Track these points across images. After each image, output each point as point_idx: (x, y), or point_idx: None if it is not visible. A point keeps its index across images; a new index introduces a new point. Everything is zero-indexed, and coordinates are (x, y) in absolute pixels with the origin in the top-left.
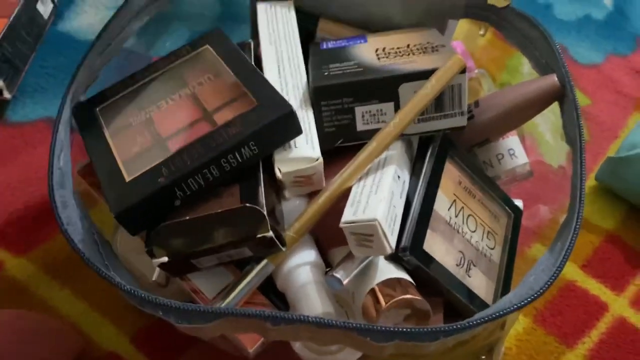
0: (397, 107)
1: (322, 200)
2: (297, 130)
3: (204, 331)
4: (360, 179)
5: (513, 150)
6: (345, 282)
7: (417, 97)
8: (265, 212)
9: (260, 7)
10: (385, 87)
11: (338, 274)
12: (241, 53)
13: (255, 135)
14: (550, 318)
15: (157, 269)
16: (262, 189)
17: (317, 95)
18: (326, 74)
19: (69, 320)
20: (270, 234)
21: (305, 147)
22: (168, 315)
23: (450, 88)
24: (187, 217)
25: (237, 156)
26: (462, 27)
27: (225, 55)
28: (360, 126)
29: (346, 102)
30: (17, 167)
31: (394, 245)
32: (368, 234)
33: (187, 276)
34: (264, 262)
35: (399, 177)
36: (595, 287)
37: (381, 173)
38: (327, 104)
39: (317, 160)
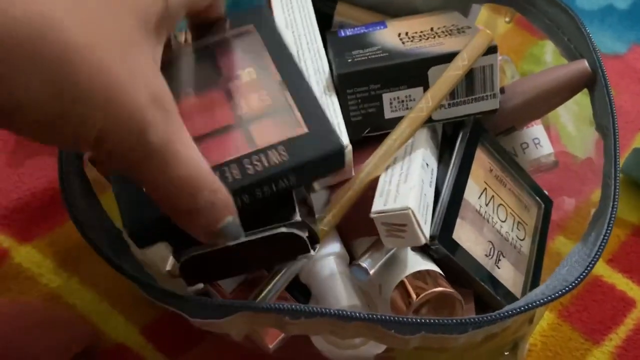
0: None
1: (353, 189)
2: (341, 165)
3: (219, 326)
4: (387, 168)
5: (538, 139)
6: (372, 271)
7: (446, 76)
8: (306, 237)
9: None
10: (414, 71)
11: (364, 264)
12: (287, 47)
13: (299, 168)
14: (576, 314)
15: (170, 259)
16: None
17: (342, 83)
18: (350, 60)
19: (76, 310)
20: (312, 253)
21: None
22: (182, 309)
23: (481, 69)
24: (220, 246)
25: (273, 186)
26: (482, 15)
27: (270, 45)
28: (388, 114)
29: (373, 88)
30: (24, 153)
31: (428, 234)
32: (401, 223)
33: None
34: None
35: (427, 164)
36: (622, 282)
37: (409, 161)
38: (352, 92)
39: (347, 147)
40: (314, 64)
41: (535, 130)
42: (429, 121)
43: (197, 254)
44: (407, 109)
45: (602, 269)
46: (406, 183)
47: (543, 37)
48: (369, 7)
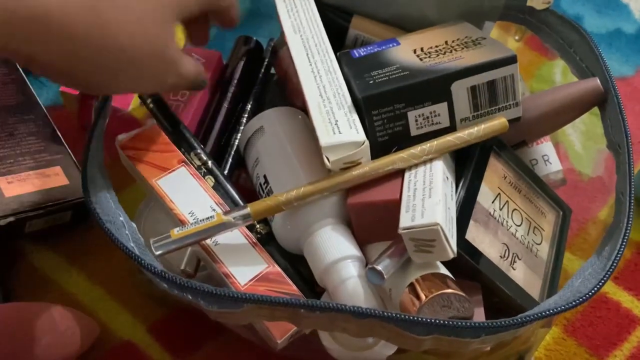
0: (450, 107)
1: (325, 184)
2: None
3: (235, 317)
4: (409, 184)
5: (547, 156)
6: (387, 276)
7: (448, 138)
8: None
9: None
10: (437, 88)
11: (380, 267)
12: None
13: None
14: (581, 329)
15: (185, 258)
16: None
17: (368, 105)
18: (371, 82)
19: (85, 307)
20: None
21: (350, 132)
22: (198, 298)
23: (502, 79)
24: None
25: None
26: (492, 34)
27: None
28: (414, 131)
29: (398, 108)
30: None
31: (455, 249)
32: (429, 239)
33: (221, 260)
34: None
35: (447, 177)
36: (627, 300)
37: (431, 176)
38: (378, 113)
39: (364, 143)
40: (324, 64)
41: (545, 147)
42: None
43: None
44: (433, 124)
45: (608, 286)
46: (431, 198)
47: (553, 57)
48: (383, 21)
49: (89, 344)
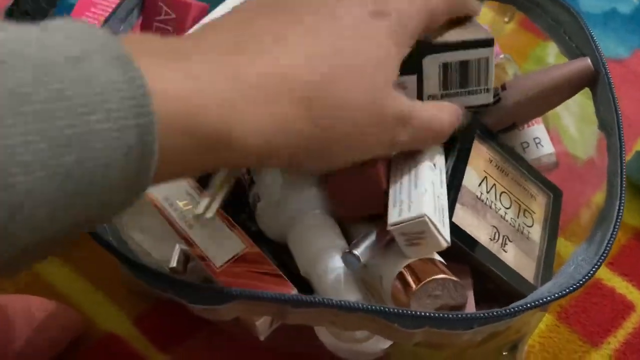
0: (420, 80)
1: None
2: None
3: (218, 313)
4: (395, 177)
5: (539, 138)
6: (363, 259)
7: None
8: None
9: None
10: (408, 59)
11: (356, 251)
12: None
13: None
14: (575, 316)
15: (175, 256)
16: None
17: None
18: None
19: (69, 299)
20: None
21: None
22: (180, 295)
23: (476, 62)
24: None
25: None
26: (486, 16)
27: None
28: None
29: None
30: None
31: (448, 237)
32: (419, 231)
33: (195, 242)
34: None
35: (434, 165)
36: (621, 286)
37: (415, 167)
38: None
39: None
40: None
41: (536, 130)
42: None
43: None
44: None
45: (602, 272)
46: (417, 189)
47: (547, 38)
48: None
49: (71, 337)
